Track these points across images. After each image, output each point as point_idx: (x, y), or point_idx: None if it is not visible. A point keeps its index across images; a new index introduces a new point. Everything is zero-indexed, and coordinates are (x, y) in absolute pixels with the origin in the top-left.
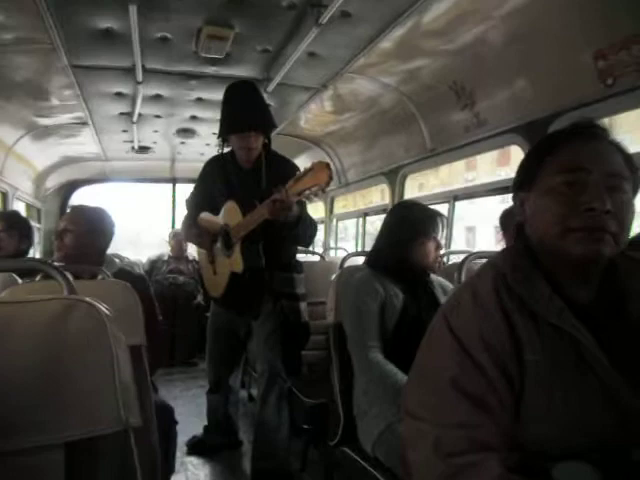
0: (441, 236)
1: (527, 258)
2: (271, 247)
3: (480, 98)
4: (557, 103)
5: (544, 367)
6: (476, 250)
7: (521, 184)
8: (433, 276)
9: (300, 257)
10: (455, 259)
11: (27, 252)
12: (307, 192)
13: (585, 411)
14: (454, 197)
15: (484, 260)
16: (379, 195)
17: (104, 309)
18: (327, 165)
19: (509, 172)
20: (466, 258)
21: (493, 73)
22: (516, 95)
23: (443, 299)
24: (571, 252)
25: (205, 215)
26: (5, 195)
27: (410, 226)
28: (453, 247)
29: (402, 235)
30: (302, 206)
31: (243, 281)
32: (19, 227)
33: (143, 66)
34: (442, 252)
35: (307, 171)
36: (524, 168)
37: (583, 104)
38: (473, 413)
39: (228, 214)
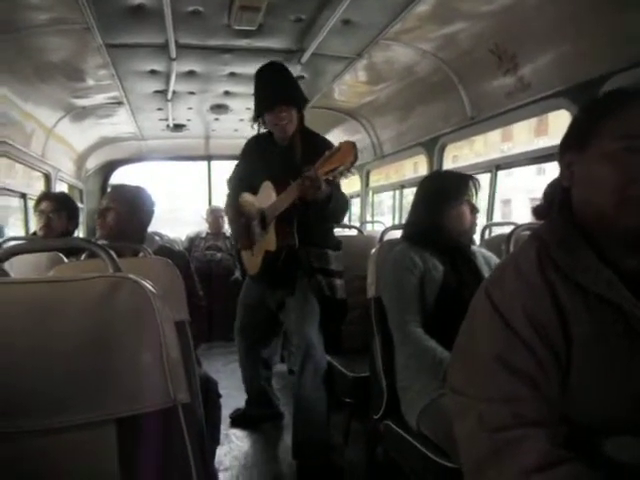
0: (475, 200)
1: (572, 227)
2: (305, 225)
3: (523, 61)
4: (609, 62)
5: (591, 339)
6: (524, 222)
7: (570, 145)
8: (475, 247)
9: (337, 232)
10: (497, 232)
11: (73, 232)
12: (335, 172)
13: (634, 382)
14: (496, 167)
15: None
16: (416, 167)
17: (149, 286)
18: (353, 145)
19: (547, 142)
20: (514, 230)
21: (536, 34)
22: (562, 56)
23: (486, 271)
24: (628, 223)
25: (244, 197)
26: (48, 176)
27: (441, 192)
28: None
29: (434, 203)
30: (335, 186)
31: (277, 259)
32: (68, 208)
33: (176, 42)
34: (485, 223)
35: (335, 151)
36: (575, 128)
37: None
38: (519, 388)
39: (264, 194)
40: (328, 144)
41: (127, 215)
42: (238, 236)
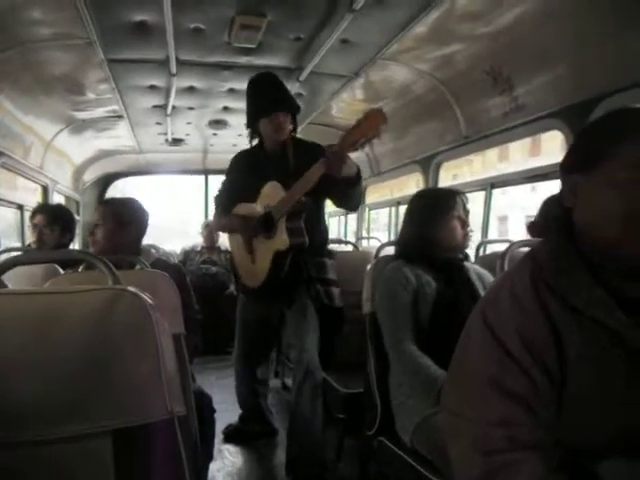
0: (465, 215)
1: (569, 248)
2: (308, 230)
3: (518, 82)
4: (602, 84)
5: (586, 361)
6: (518, 239)
7: (574, 166)
8: (468, 264)
9: (333, 247)
10: (491, 249)
11: (68, 245)
12: (362, 140)
13: (628, 405)
14: (491, 184)
15: (526, 249)
16: (412, 184)
17: (148, 299)
18: (380, 110)
19: (542, 162)
20: (509, 247)
21: (532, 56)
22: (556, 78)
23: (480, 287)
24: (632, 253)
25: (241, 205)
26: (46, 188)
27: (430, 208)
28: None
29: (424, 219)
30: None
31: (284, 263)
32: (62, 221)
33: (177, 58)
34: (479, 241)
35: (361, 121)
36: (581, 149)
37: (636, 84)
38: (513, 411)
39: (269, 195)
40: (320, 148)
41: (116, 229)
42: (241, 230)
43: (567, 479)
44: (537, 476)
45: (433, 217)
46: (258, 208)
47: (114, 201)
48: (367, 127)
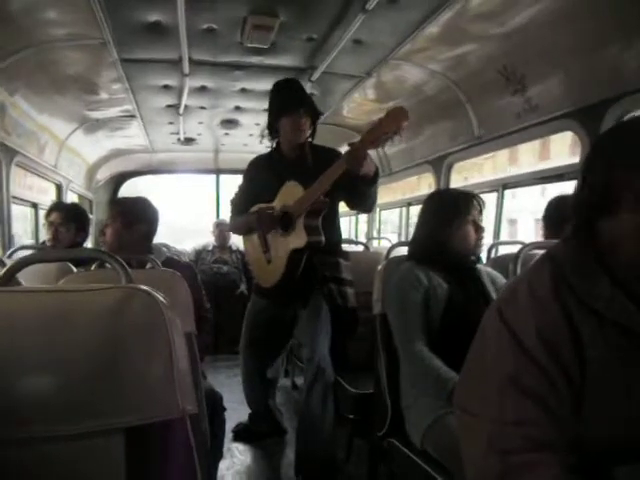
0: (480, 219)
1: (590, 253)
2: (323, 227)
3: (532, 82)
4: (617, 85)
5: (607, 364)
6: (531, 241)
7: (597, 207)
8: (480, 266)
9: (344, 247)
10: (504, 251)
11: (82, 243)
12: (384, 137)
13: None
14: (503, 185)
15: (539, 251)
16: (424, 184)
17: (161, 297)
18: (402, 108)
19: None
20: (522, 249)
21: (546, 56)
22: (571, 78)
23: (492, 290)
24: None
25: (258, 206)
26: (60, 187)
27: (445, 210)
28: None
29: (438, 221)
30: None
31: (300, 262)
32: (77, 219)
33: (190, 58)
34: (491, 242)
35: (382, 119)
36: (600, 190)
37: None
38: (531, 411)
39: (287, 194)
40: (336, 153)
41: (125, 228)
42: (259, 224)
43: None
44: (554, 478)
45: (448, 220)
46: (276, 206)
47: (123, 201)
48: (389, 124)
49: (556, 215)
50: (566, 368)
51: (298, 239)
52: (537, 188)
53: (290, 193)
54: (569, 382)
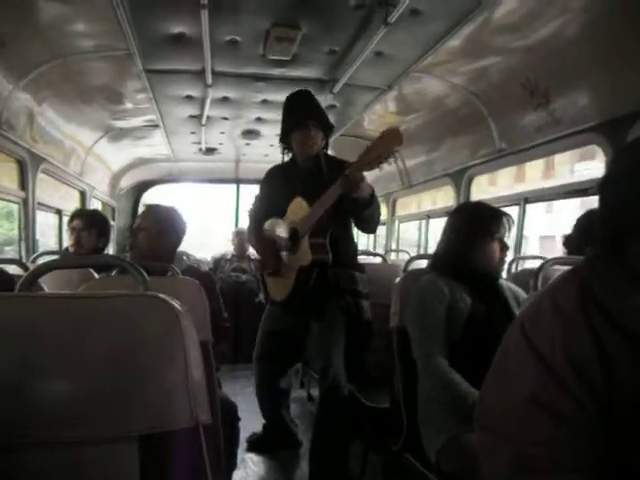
0: (507, 237)
1: (620, 270)
2: (336, 244)
3: (555, 96)
4: None
5: (637, 385)
6: (553, 256)
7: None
8: (502, 281)
9: (362, 259)
10: (524, 265)
11: (104, 249)
12: (379, 159)
13: None
14: (525, 199)
15: (560, 267)
16: (442, 197)
17: (177, 306)
18: (396, 129)
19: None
20: (543, 264)
21: (570, 69)
22: (595, 91)
23: (514, 305)
24: None
25: (269, 223)
26: (84, 194)
27: (473, 226)
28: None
29: (465, 235)
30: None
31: (310, 278)
32: (99, 225)
33: (212, 69)
34: (512, 257)
35: (377, 140)
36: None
37: None
38: (555, 430)
39: (294, 211)
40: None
41: (158, 235)
42: (265, 261)
43: None
44: None
45: (475, 236)
46: (284, 225)
47: (160, 207)
48: (383, 146)
49: (581, 231)
50: (592, 386)
51: (304, 257)
52: (540, 207)
53: (297, 209)
54: (595, 400)
